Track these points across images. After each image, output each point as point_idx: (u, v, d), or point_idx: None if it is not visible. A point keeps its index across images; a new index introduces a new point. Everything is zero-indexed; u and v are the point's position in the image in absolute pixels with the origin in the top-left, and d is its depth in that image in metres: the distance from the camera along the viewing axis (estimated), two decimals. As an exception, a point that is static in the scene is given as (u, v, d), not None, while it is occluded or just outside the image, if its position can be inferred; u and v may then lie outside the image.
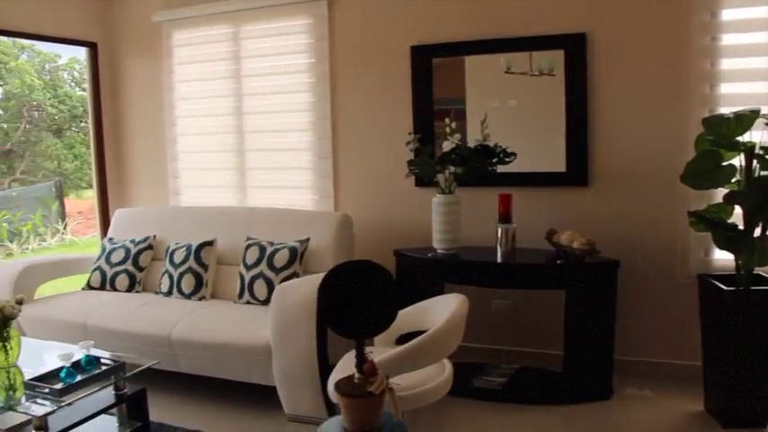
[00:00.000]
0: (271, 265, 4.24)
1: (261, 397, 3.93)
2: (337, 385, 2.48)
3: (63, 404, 2.87)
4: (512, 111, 4.43)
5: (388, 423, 2.48)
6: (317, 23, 4.86)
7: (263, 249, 4.33)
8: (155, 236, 4.94)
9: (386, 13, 4.67)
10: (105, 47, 5.73)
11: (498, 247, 4.07)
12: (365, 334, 2.51)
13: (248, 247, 4.42)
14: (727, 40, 3.90)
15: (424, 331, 3.05)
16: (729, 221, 3.57)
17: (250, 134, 5.24)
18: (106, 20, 5.71)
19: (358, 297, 2.50)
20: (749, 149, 3.41)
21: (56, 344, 3.75)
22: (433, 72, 4.57)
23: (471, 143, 4.20)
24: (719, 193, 3.67)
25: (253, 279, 4.29)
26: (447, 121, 4.23)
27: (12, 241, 11.17)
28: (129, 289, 4.74)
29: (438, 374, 3.15)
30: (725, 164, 3.49)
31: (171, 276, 4.56)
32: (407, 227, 4.67)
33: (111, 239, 5.05)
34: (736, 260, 3.53)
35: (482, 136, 4.15)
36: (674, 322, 4.14)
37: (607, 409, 3.79)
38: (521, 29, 4.31)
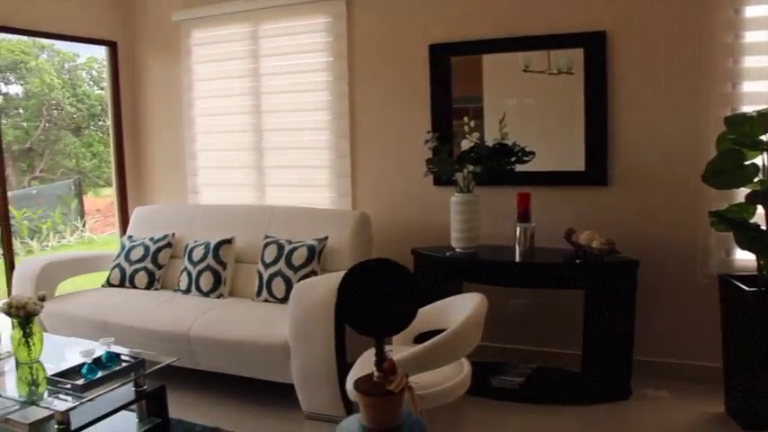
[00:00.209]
0: (289, 264, 4.25)
1: (279, 395, 3.95)
2: (357, 384, 2.48)
3: (84, 400, 2.89)
4: (530, 109, 4.41)
5: (407, 421, 2.47)
6: (336, 22, 4.86)
7: (281, 247, 4.35)
8: (173, 234, 4.97)
9: (404, 12, 4.67)
10: (125, 46, 5.76)
11: (517, 247, 4.05)
12: (385, 332, 2.51)
13: (266, 245, 4.43)
14: (751, 37, 3.86)
15: (443, 330, 3.04)
16: (752, 221, 3.53)
17: (268, 132, 5.25)
18: (126, 19, 5.75)
19: (378, 295, 2.50)
20: (772, 149, 3.38)
21: (76, 340, 3.78)
22: (451, 71, 4.56)
23: (489, 142, 4.18)
24: (741, 193, 3.63)
25: (271, 277, 4.30)
26: (465, 119, 4.22)
27: (32, 238, 11.28)
28: (148, 286, 4.77)
29: (456, 373, 3.15)
30: (747, 163, 3.45)
31: (189, 274, 4.59)
32: (425, 226, 4.66)
33: (130, 237, 5.08)
34: (759, 260, 3.49)
35: (500, 135, 4.13)
36: (693, 323, 4.10)
37: (625, 410, 3.77)
38: (539, 27, 4.29)
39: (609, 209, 4.23)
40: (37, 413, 3.10)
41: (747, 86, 3.89)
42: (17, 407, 3.34)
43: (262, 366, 3.85)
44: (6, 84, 13.52)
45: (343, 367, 3.57)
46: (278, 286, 4.26)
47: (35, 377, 3.24)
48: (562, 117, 4.33)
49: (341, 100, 4.91)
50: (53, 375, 3.06)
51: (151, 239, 4.93)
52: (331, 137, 4.99)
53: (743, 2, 3.84)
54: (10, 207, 5.05)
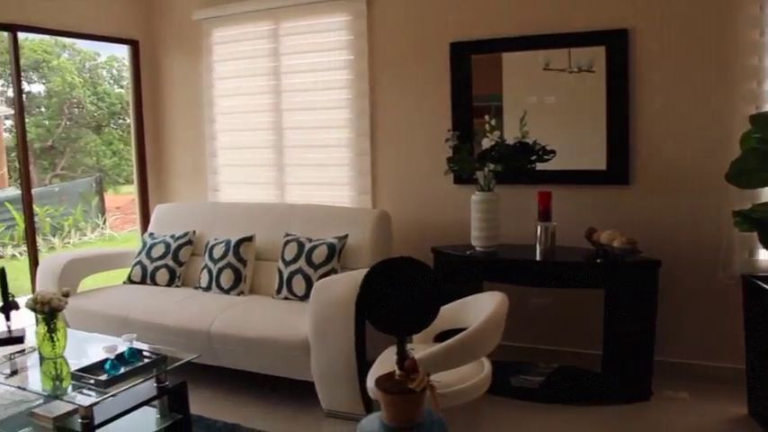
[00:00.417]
0: (309, 262, 4.26)
1: (298, 392, 3.96)
2: (378, 382, 2.49)
3: (108, 395, 2.91)
4: (550, 108, 4.39)
5: (427, 420, 2.48)
6: (356, 20, 4.87)
7: (301, 245, 4.36)
8: (194, 231, 5.00)
9: (425, 10, 4.67)
10: (146, 44, 5.81)
11: (537, 246, 4.04)
12: (407, 331, 2.52)
13: (287, 243, 4.45)
14: (777, 35, 3.83)
15: (463, 329, 3.04)
16: (776, 221, 3.50)
17: (288, 131, 5.27)
18: (148, 18, 5.79)
19: (400, 294, 2.50)
20: (798, 148, 3.35)
21: (99, 336, 3.82)
22: (472, 69, 4.55)
23: (509, 140, 4.16)
24: (766, 192, 3.61)
25: (291, 275, 4.32)
26: (486, 118, 4.21)
27: (54, 235, 11.38)
28: (169, 283, 4.80)
29: (477, 373, 3.14)
30: (772, 162, 3.42)
31: (210, 271, 4.62)
32: (445, 224, 4.66)
33: (151, 234, 5.12)
34: (783, 261, 3.46)
35: (521, 133, 4.12)
36: (715, 323, 4.07)
37: (646, 411, 3.74)
38: (560, 25, 4.27)
39: (630, 208, 4.21)
40: (61, 407, 3.14)
41: (773, 85, 3.86)
42: (41, 401, 3.39)
43: (282, 364, 3.86)
44: (29, 83, 13.67)
45: (363, 365, 3.58)
46: (298, 284, 4.27)
47: (59, 372, 3.27)
48: (583, 115, 4.31)
49: (361, 98, 4.91)
50: (77, 371, 3.08)
51: (172, 237, 4.96)
52: (351, 135, 5.00)
53: (768, -1, 3.80)
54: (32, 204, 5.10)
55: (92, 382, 2.99)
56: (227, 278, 4.52)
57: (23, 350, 3.58)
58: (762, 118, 3.43)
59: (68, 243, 11.38)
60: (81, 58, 15.02)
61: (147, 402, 3.21)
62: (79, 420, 2.86)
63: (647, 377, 3.86)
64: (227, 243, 4.62)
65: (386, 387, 2.43)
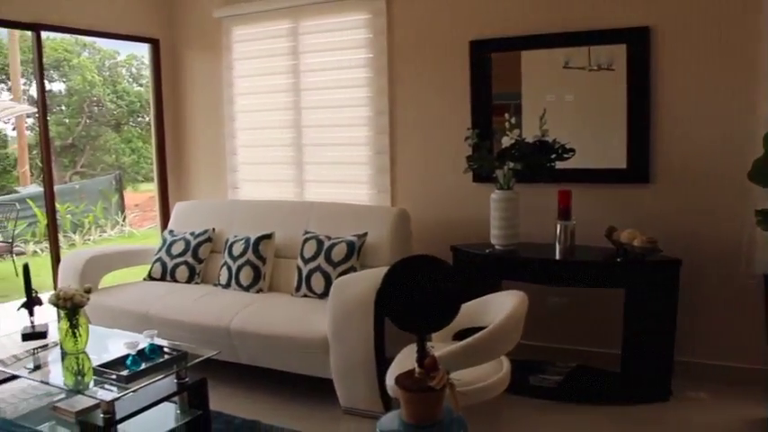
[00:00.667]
0: (328, 259, 4.27)
1: (317, 389, 3.97)
2: (398, 380, 2.49)
3: (129, 390, 2.94)
4: (569, 106, 4.37)
5: (447, 418, 2.48)
6: (376, 18, 4.87)
7: (320, 243, 4.37)
8: (214, 229, 5.03)
9: (444, 7, 4.66)
10: (167, 43, 5.84)
11: (557, 244, 4.02)
12: (428, 329, 2.52)
13: (306, 240, 4.47)
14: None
15: (482, 328, 3.04)
16: (800, 221, 3.46)
17: (308, 129, 5.29)
18: (168, 16, 5.83)
19: (421, 292, 2.51)
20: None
21: (120, 332, 3.86)
22: (491, 67, 4.54)
23: (527, 138, 4.14)
24: (789, 192, 3.57)
25: (310, 272, 4.33)
26: (506, 116, 4.20)
27: (74, 232, 11.48)
28: (189, 280, 4.84)
29: (496, 371, 3.14)
30: (796, 161, 3.39)
31: (230, 268, 4.64)
32: (465, 222, 4.65)
33: (171, 232, 5.15)
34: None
35: (540, 131, 4.10)
36: (736, 323, 4.03)
37: (665, 412, 3.72)
38: (581, 23, 4.25)
39: (651, 207, 4.18)
40: (83, 402, 3.17)
41: (796, 83, 3.81)
42: (63, 395, 3.44)
43: (301, 361, 3.87)
44: (50, 81, 13.80)
45: (382, 363, 3.59)
46: (317, 282, 4.29)
47: (81, 367, 3.31)
48: (602, 114, 4.28)
49: (380, 96, 4.92)
50: (98, 366, 3.12)
51: (192, 234, 4.99)
52: (370, 133, 5.01)
53: (793, -3, 3.76)
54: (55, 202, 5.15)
55: (113, 377, 3.02)
56: (246, 275, 4.55)
57: (46, 345, 3.63)
58: (785, 117, 3.40)
59: (89, 240, 11.48)
60: (101, 56, 15.15)
61: (167, 398, 3.25)
62: (101, 415, 2.90)
63: (666, 377, 3.84)
64: (247, 240, 4.65)
65: (406, 385, 2.43)
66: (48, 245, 5.28)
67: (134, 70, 15.71)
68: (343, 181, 5.17)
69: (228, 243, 4.77)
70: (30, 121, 13.30)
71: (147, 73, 5.86)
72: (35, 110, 10.69)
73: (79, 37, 13.00)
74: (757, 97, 3.85)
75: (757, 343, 3.73)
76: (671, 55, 4.06)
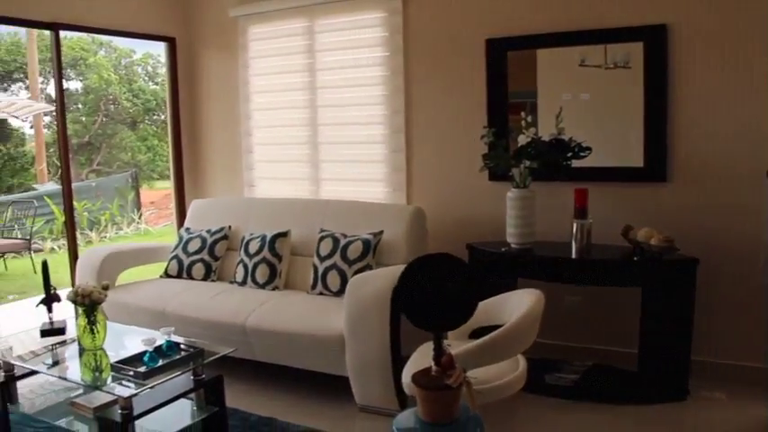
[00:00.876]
0: (344, 257, 4.28)
1: (333, 387, 3.98)
2: (414, 377, 2.50)
3: (146, 387, 2.96)
4: (585, 104, 4.35)
5: (463, 416, 2.48)
6: (392, 17, 4.87)
7: (336, 241, 4.38)
8: (230, 226, 5.05)
9: (460, 6, 4.65)
10: (183, 41, 5.87)
11: (573, 243, 4.01)
12: (445, 327, 2.52)
13: (322, 238, 4.47)
14: (821, 30, 3.75)
15: (499, 326, 3.04)
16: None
17: (323, 127, 5.29)
18: (184, 15, 5.85)
19: (437, 290, 2.51)
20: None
21: (137, 329, 3.87)
22: (507, 65, 4.53)
23: (543, 137, 4.12)
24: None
25: (326, 270, 4.34)
26: (522, 114, 4.19)
27: (91, 230, 11.56)
28: (205, 278, 4.86)
29: (512, 369, 3.14)
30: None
31: (246, 266, 4.66)
32: (480, 221, 4.64)
33: (187, 229, 5.18)
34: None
35: (557, 130, 4.09)
36: (754, 323, 3.99)
37: (682, 411, 3.70)
38: (597, 21, 4.23)
39: (668, 206, 4.16)
40: (101, 398, 3.19)
41: (816, 81, 3.78)
42: (81, 391, 3.46)
43: (316, 358, 3.88)
44: (67, 80, 13.90)
45: (398, 361, 3.59)
46: (333, 280, 4.30)
47: (99, 363, 3.33)
48: (619, 112, 4.26)
49: (396, 95, 4.91)
50: (116, 362, 3.14)
51: (208, 232, 5.01)
52: (386, 131, 5.00)
53: (812, -6, 3.73)
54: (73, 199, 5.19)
55: (131, 373, 3.04)
56: (262, 273, 4.56)
57: (64, 341, 3.65)
58: (805, 115, 3.36)
59: (105, 237, 11.56)
60: (117, 55, 15.24)
61: (184, 395, 3.26)
62: (119, 411, 2.91)
63: (683, 377, 3.81)
64: (263, 238, 4.66)
65: (423, 383, 2.44)
66: (65, 242, 5.32)
67: (150, 69, 15.80)
68: (358, 179, 5.18)
69: (245, 241, 4.78)
70: (47, 119, 13.40)
71: (162, 71, 5.90)
72: (53, 108, 10.80)
73: (96, 36, 13.09)
74: (776, 95, 3.82)
75: (776, 343, 3.71)
76: (688, 53, 4.03)
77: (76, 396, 3.41)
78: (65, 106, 5.07)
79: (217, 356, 3.35)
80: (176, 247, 5.04)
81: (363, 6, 4.98)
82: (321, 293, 4.37)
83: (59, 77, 4.96)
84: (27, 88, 13.95)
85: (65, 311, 3.95)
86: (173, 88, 5.89)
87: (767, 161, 3.42)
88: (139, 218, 12.63)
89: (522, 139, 4.08)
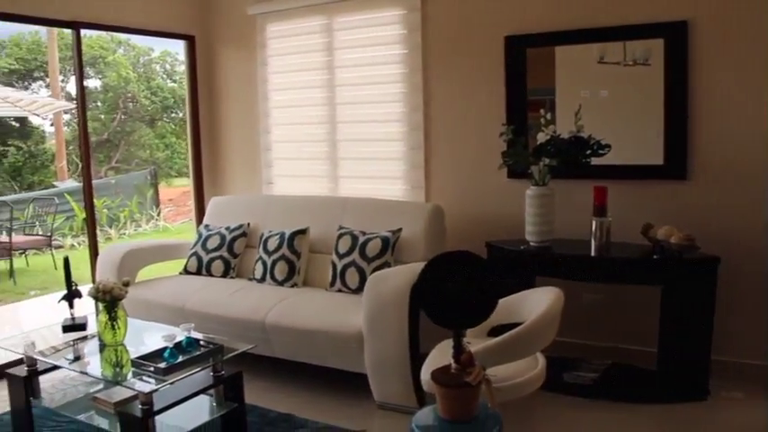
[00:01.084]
0: (363, 255, 4.29)
1: (351, 384, 3.99)
2: (434, 375, 2.50)
3: (167, 383, 2.98)
4: (604, 101, 4.33)
5: (482, 414, 2.48)
6: (410, 14, 4.86)
7: (355, 238, 4.39)
8: (249, 223, 5.06)
9: (479, 3, 4.64)
10: (202, 39, 5.90)
11: (592, 241, 3.99)
12: (465, 324, 2.52)
13: (340, 236, 4.48)
14: None
15: (517, 324, 3.03)
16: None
17: (342, 124, 5.30)
18: (203, 13, 5.88)
19: (458, 287, 2.50)
20: None
21: (156, 325, 3.91)
22: (527, 62, 4.51)
23: (561, 134, 4.10)
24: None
25: (345, 268, 4.35)
26: (542, 112, 4.17)
27: (110, 226, 11.64)
28: (224, 275, 4.88)
29: (531, 368, 3.13)
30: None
31: (264, 263, 4.67)
32: (499, 218, 4.63)
33: (206, 226, 5.20)
34: None
35: (576, 127, 4.07)
36: (776, 323, 3.97)
37: (702, 411, 3.67)
38: (616, 18, 4.20)
39: (688, 203, 4.12)
40: (121, 393, 3.23)
41: (840, 78, 3.73)
42: (102, 386, 3.50)
43: (335, 355, 3.89)
44: (86, 78, 13.99)
45: (416, 358, 3.59)
46: (351, 277, 4.31)
47: (119, 359, 3.36)
48: (638, 109, 4.23)
49: (415, 92, 4.91)
50: (137, 358, 3.16)
51: (227, 229, 5.04)
52: (405, 129, 5.00)
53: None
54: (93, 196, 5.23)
55: (151, 369, 3.06)
56: (281, 270, 4.58)
57: (86, 337, 3.69)
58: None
59: (124, 234, 11.65)
60: (135, 53, 15.35)
61: (203, 391, 3.28)
62: (140, 406, 2.93)
63: (703, 376, 3.78)
64: (282, 235, 4.68)
65: (442, 380, 2.44)
66: (84, 238, 5.36)
67: (168, 66, 15.90)
68: (377, 177, 5.18)
69: (263, 238, 4.80)
70: (66, 117, 13.52)
71: (180, 69, 5.93)
72: (73, 106, 10.89)
73: (114, 34, 13.19)
74: (800, 92, 3.78)
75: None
76: (709, 49, 4.00)
77: (97, 391, 3.45)
78: (86, 104, 5.11)
79: (236, 353, 3.37)
80: (195, 244, 5.07)
81: (382, 4, 4.98)
82: (340, 291, 4.38)
83: (80, 76, 5.00)
84: (47, 86, 14.09)
85: (85, 307, 3.99)
86: (192, 86, 5.92)
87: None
88: (158, 215, 12.71)
89: (542, 137, 4.07)
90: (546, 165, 4.04)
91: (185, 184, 13.87)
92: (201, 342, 3.39)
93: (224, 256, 4.91)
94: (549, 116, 4.15)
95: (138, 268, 4.94)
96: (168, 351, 3.18)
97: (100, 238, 9.33)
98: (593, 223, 3.98)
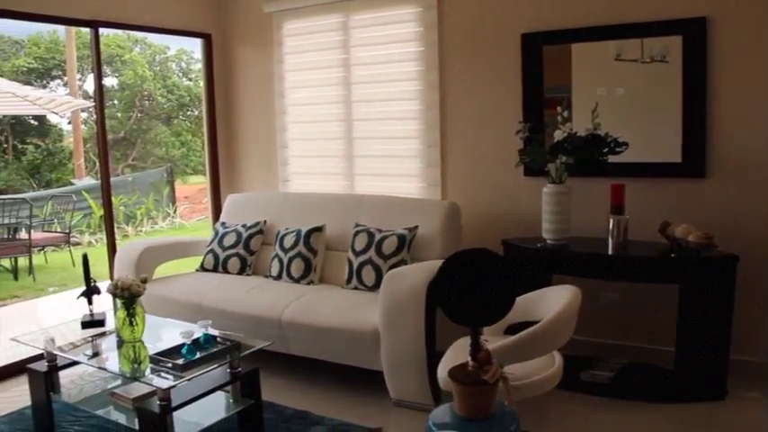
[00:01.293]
0: (379, 252, 4.29)
1: (367, 381, 3.99)
2: (451, 373, 2.49)
3: (184, 379, 3.00)
4: (620, 99, 4.31)
5: (499, 412, 2.47)
6: (426, 12, 4.86)
7: (371, 236, 4.39)
8: (265, 221, 5.08)
9: (496, 0, 4.62)
10: (219, 38, 5.92)
11: (609, 239, 3.98)
12: (482, 322, 2.52)
13: (357, 233, 4.49)
14: None
15: (534, 322, 3.02)
16: None
17: (358, 122, 5.30)
18: (220, 11, 5.90)
19: (475, 285, 2.50)
20: None
21: (174, 321, 3.94)
22: (543, 60, 4.49)
23: (578, 132, 4.08)
24: None
25: (361, 265, 4.35)
26: (559, 109, 4.16)
27: (127, 224, 11.72)
28: (241, 272, 4.90)
29: (548, 366, 3.12)
30: None
31: (281, 260, 4.69)
32: (515, 216, 4.62)
33: (223, 224, 5.22)
34: None
35: (593, 125, 4.05)
36: (796, 322, 3.94)
37: (720, 411, 3.64)
38: (633, 14, 4.18)
39: (707, 202, 4.09)
40: (139, 389, 3.25)
41: None
42: (120, 382, 3.52)
43: (351, 353, 3.90)
44: (103, 76, 14.09)
45: (433, 356, 3.59)
46: (368, 274, 4.31)
47: (137, 355, 3.39)
48: (656, 107, 4.21)
49: (431, 90, 4.90)
50: (155, 354, 3.19)
51: (243, 226, 5.06)
52: (421, 126, 5.00)
53: None
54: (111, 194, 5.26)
55: (169, 365, 3.09)
56: (297, 267, 4.59)
57: (104, 333, 3.72)
58: None
59: (141, 231, 11.72)
60: (152, 51, 15.44)
61: (220, 387, 3.31)
62: (158, 402, 2.95)
63: (721, 376, 3.75)
64: (298, 233, 4.69)
65: (460, 378, 2.43)
66: (102, 236, 5.39)
67: (183, 65, 15.98)
68: (393, 174, 5.18)
69: (280, 235, 4.82)
70: (83, 115, 13.62)
71: (196, 67, 5.96)
72: (91, 104, 10.97)
73: (131, 33, 13.27)
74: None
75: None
76: (729, 46, 3.96)
77: (115, 387, 3.48)
78: (104, 102, 5.14)
79: (253, 350, 3.39)
80: (212, 242, 5.10)
81: (398, 1, 4.98)
82: (356, 288, 4.39)
83: (99, 74, 5.04)
84: (65, 85, 14.21)
85: (103, 304, 4.02)
86: (208, 84, 5.94)
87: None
88: (174, 212, 12.78)
89: (558, 135, 4.05)
90: (563, 162, 4.03)
91: (201, 181, 13.94)
92: (219, 339, 3.41)
93: (240, 253, 4.93)
94: (566, 114, 4.13)
95: (156, 265, 4.97)
96: (186, 347, 3.21)
97: (117, 236, 9.41)
98: (611, 221, 3.97)
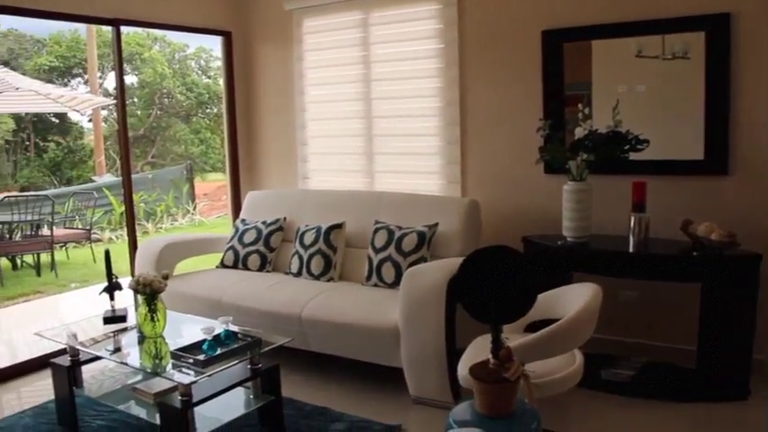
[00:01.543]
0: (399, 249, 4.29)
1: (387, 378, 4.00)
2: (472, 370, 2.49)
3: (205, 375, 3.02)
4: (641, 96, 4.27)
5: (520, 409, 2.47)
6: (446, 9, 4.85)
7: (391, 233, 4.39)
8: (285, 218, 5.10)
9: (516, -3, 4.62)
10: (239, 35, 5.94)
11: (630, 237, 3.95)
12: (504, 320, 2.51)
13: (377, 230, 4.49)
14: None
15: (554, 320, 3.01)
16: None
17: (378, 119, 5.30)
18: (240, 9, 5.92)
19: (497, 282, 2.50)
20: None
21: (194, 317, 3.96)
22: (563, 57, 4.47)
23: (598, 129, 4.06)
24: None
25: (381, 262, 4.36)
26: (580, 106, 4.13)
27: (147, 220, 11.80)
28: (260, 268, 4.92)
29: (569, 364, 3.11)
30: None
31: (301, 257, 4.70)
32: (536, 214, 4.60)
33: (243, 221, 5.25)
34: None
35: (613, 122, 4.02)
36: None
37: (743, 411, 3.61)
38: (655, 11, 4.14)
39: (729, 199, 4.06)
40: (161, 384, 3.28)
41: None
42: (141, 377, 3.55)
43: (371, 350, 3.91)
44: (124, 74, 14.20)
45: (453, 353, 3.59)
46: (387, 271, 4.31)
47: (159, 350, 3.41)
48: (677, 104, 4.17)
49: (451, 87, 4.89)
50: (176, 350, 3.21)
51: (263, 223, 5.07)
52: (441, 124, 4.99)
53: None
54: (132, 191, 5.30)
55: (190, 361, 3.11)
56: (317, 264, 4.60)
57: (125, 328, 3.76)
58: None
59: (161, 228, 11.79)
60: (171, 49, 15.53)
61: (241, 383, 3.33)
62: (179, 397, 2.98)
63: (744, 375, 3.72)
64: (318, 230, 4.70)
65: (481, 375, 2.43)
66: (122, 232, 5.44)
67: (203, 62, 16.06)
68: (413, 171, 5.17)
69: (300, 232, 4.83)
70: (104, 112, 13.73)
71: (215, 65, 5.98)
72: (111, 102, 11.06)
73: (150, 31, 13.36)
74: None
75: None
76: (752, 42, 3.92)
77: (137, 382, 3.51)
78: (125, 100, 5.18)
79: (274, 346, 3.40)
80: (232, 238, 5.12)
81: (418, -2, 4.98)
82: (376, 285, 4.39)
83: (120, 72, 5.07)
84: (86, 83, 14.33)
85: (125, 300, 4.05)
86: (228, 82, 5.97)
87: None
88: (194, 209, 12.85)
89: (579, 132, 4.03)
90: (583, 160, 4.01)
91: (220, 178, 14.01)
92: (239, 335, 3.42)
93: (260, 250, 4.95)
94: (586, 111, 4.10)
95: (176, 262, 5.00)
96: (207, 343, 3.23)
97: (138, 232, 9.50)
98: (632, 219, 3.94)
